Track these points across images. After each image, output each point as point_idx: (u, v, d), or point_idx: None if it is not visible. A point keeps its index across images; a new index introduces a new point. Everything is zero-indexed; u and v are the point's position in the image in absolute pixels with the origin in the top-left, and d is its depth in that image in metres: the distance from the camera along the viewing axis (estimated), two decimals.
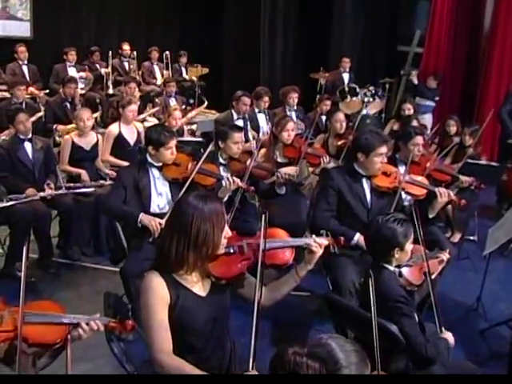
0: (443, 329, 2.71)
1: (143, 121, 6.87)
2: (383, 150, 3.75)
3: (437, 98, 8.74)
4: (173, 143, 3.89)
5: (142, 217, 3.68)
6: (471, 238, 5.66)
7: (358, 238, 3.63)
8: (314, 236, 2.55)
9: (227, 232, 2.29)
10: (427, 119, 8.51)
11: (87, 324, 2.10)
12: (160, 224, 3.60)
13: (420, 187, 3.99)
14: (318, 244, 2.47)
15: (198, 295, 2.29)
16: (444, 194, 3.84)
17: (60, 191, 4.73)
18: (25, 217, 4.47)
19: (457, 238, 5.64)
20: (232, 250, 2.44)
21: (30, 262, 4.70)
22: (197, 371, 2.17)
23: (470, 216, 5.62)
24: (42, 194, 4.59)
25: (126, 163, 5.28)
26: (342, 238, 2.66)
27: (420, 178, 4.09)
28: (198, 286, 2.31)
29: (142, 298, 2.24)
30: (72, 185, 5.02)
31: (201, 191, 2.50)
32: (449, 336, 2.69)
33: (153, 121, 7.04)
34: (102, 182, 5.14)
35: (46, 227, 4.71)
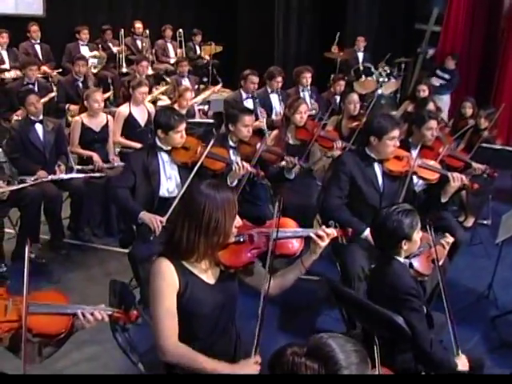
0: (460, 351, 2.58)
1: (155, 101, 6.83)
2: (396, 132, 3.71)
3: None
4: (182, 127, 3.85)
5: (143, 215, 3.63)
6: (484, 222, 5.60)
7: (368, 233, 3.50)
8: (323, 226, 2.51)
9: (238, 221, 2.29)
10: (445, 100, 8.36)
11: (92, 314, 2.10)
12: (161, 222, 3.56)
13: (432, 171, 3.95)
14: (326, 234, 2.44)
15: (207, 283, 2.29)
16: (457, 178, 3.79)
17: (70, 175, 4.74)
18: (35, 198, 4.51)
19: (470, 222, 5.57)
20: (242, 239, 2.42)
21: (41, 244, 4.76)
22: (201, 357, 2.17)
23: (483, 201, 5.54)
24: (52, 177, 4.61)
25: (137, 144, 5.27)
26: (351, 230, 2.63)
27: (432, 163, 4.04)
28: (207, 274, 2.31)
29: (151, 284, 2.24)
30: (84, 167, 5.03)
31: (212, 180, 2.48)
32: (463, 362, 2.55)
33: (165, 99, 7.00)
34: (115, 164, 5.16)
35: (57, 209, 4.74)
